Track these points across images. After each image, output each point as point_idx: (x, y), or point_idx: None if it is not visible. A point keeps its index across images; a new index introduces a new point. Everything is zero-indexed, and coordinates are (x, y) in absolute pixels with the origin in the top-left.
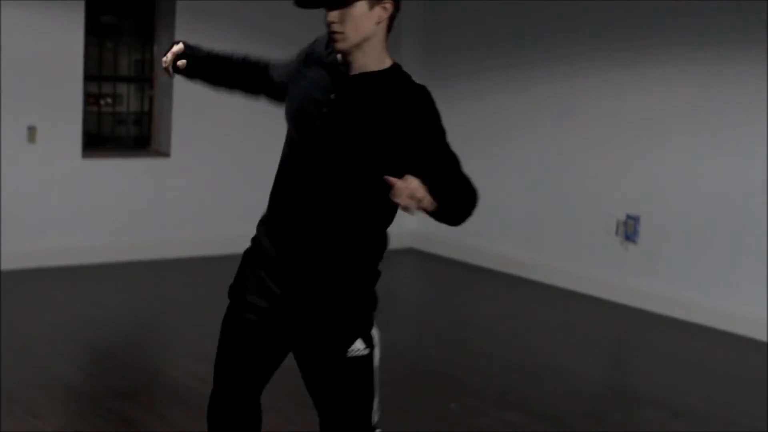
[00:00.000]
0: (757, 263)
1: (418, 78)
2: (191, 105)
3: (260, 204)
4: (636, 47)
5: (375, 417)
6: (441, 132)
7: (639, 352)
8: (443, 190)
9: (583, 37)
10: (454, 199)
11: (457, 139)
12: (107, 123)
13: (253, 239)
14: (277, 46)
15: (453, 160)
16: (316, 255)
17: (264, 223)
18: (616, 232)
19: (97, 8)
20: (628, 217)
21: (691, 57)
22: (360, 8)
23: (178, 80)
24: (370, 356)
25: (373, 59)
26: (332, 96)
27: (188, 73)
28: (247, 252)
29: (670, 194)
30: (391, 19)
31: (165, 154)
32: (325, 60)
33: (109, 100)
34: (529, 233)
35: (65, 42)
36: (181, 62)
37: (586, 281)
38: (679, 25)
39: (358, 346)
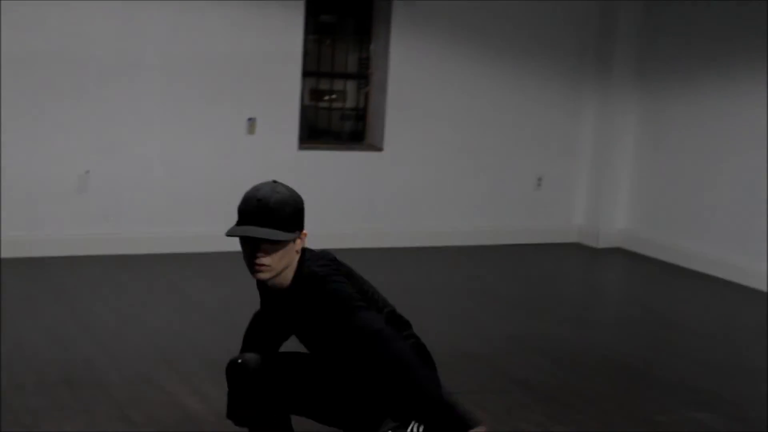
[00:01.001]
0: None
1: (633, 80)
2: (404, 101)
3: (468, 198)
4: None
5: None
6: (369, 334)
7: None
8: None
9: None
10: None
11: (672, 143)
12: (324, 118)
13: None
14: (492, 47)
15: (392, 361)
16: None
17: None
18: None
19: (316, 8)
20: None
21: None
22: (291, 244)
23: (393, 76)
24: None
25: (287, 278)
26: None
27: None
28: None
29: None
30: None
31: (378, 148)
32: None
33: (333, 96)
34: (742, 238)
35: (286, 40)
36: None
37: None
38: None
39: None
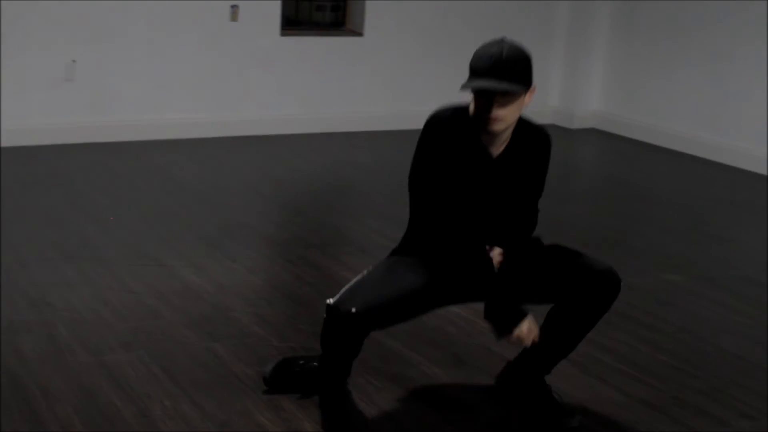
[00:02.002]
0: None
1: None
2: None
3: (446, 82)
4: None
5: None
6: (547, 169)
7: None
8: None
9: None
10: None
11: (645, 24)
12: (304, 8)
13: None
14: None
15: (542, 190)
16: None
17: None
18: None
19: None
20: None
21: None
22: (522, 98)
23: None
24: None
25: (511, 130)
26: (485, 176)
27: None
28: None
29: None
30: None
31: (358, 33)
32: (467, 140)
33: None
34: (707, 114)
35: None
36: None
37: (761, 161)
38: None
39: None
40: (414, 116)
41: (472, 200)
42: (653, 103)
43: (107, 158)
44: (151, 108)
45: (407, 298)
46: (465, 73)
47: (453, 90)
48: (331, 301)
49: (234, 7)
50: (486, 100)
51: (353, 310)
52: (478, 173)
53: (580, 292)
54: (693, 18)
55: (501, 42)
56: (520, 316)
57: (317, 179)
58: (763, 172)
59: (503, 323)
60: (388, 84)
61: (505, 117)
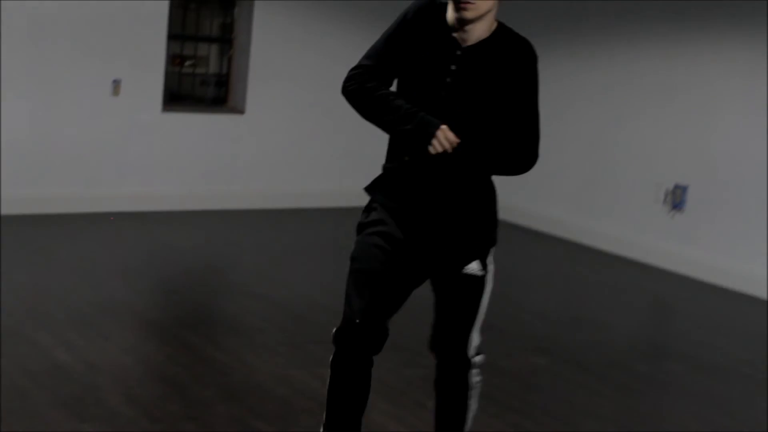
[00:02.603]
0: None
1: None
2: (267, 65)
3: (328, 160)
4: (693, 24)
5: (476, 339)
6: (535, 85)
7: (673, 312)
8: (506, 140)
9: (644, 13)
10: (511, 151)
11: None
12: (187, 83)
13: (376, 191)
14: (352, 12)
15: (534, 113)
16: (452, 194)
17: (383, 184)
18: (664, 200)
19: None
20: (677, 186)
21: (745, 35)
22: None
23: (256, 40)
24: (483, 280)
25: (487, 26)
26: (453, 67)
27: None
28: (372, 202)
29: (719, 165)
30: None
31: (240, 111)
32: (439, 29)
33: (193, 62)
34: (581, 198)
35: (151, 2)
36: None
37: (633, 246)
38: (735, 4)
39: (474, 267)
40: (293, 195)
41: (431, 90)
42: (532, 188)
43: None
44: (30, 182)
45: (388, 279)
46: (349, 155)
47: (333, 169)
48: (335, 329)
49: (116, 82)
50: None
51: (357, 321)
52: (442, 59)
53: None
54: (563, 104)
55: None
56: (434, 125)
57: (194, 257)
58: (639, 258)
59: (418, 137)
60: (268, 162)
61: (477, 5)
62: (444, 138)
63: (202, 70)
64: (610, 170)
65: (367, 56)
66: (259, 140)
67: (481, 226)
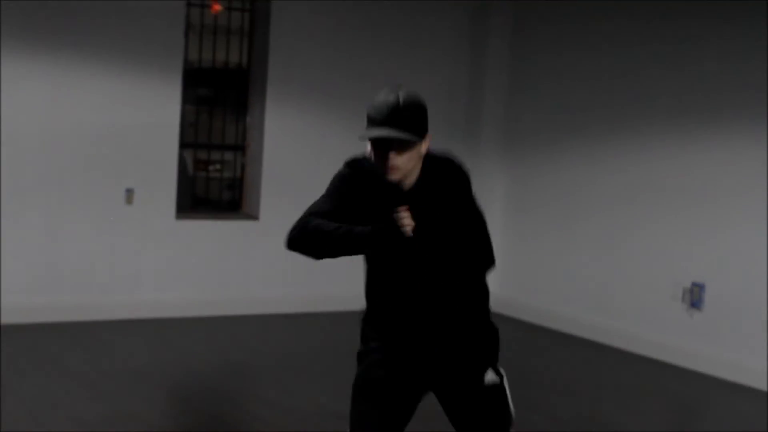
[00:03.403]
0: None
1: (500, 150)
2: (279, 172)
3: (341, 266)
4: (703, 121)
5: None
6: (471, 197)
7: (692, 412)
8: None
9: (652, 111)
10: (468, 251)
11: (535, 207)
12: (207, 187)
13: (366, 337)
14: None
15: (481, 221)
16: (441, 319)
17: (373, 321)
18: (682, 299)
19: (194, 81)
20: (694, 284)
21: (758, 131)
22: (419, 146)
23: (268, 148)
24: (502, 384)
25: (417, 170)
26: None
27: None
28: (364, 348)
29: (735, 264)
30: None
31: (254, 217)
32: (377, 184)
33: (218, 166)
34: (599, 298)
35: (163, 112)
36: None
37: (651, 345)
38: (745, 100)
39: (491, 376)
40: (308, 300)
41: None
42: (547, 286)
43: None
44: (44, 290)
45: (391, 417)
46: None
47: (346, 273)
48: None
49: (129, 191)
50: (383, 148)
51: None
52: (391, 205)
53: None
54: (581, 206)
55: (396, 90)
56: (387, 215)
57: (206, 364)
58: (658, 356)
59: (386, 231)
60: (282, 268)
61: (402, 165)
62: (403, 215)
63: (220, 175)
64: (627, 269)
65: (307, 213)
66: (273, 246)
67: (485, 334)
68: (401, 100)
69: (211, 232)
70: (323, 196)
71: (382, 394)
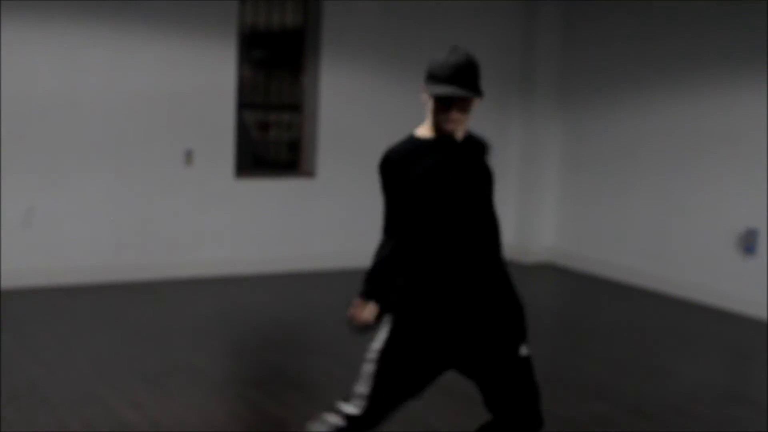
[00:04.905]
0: None
1: (555, 105)
2: (335, 131)
3: None
4: (754, 72)
5: None
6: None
7: (747, 358)
8: None
9: (705, 61)
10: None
11: (590, 160)
12: (268, 148)
13: (416, 296)
14: (418, 75)
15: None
16: (488, 272)
17: (428, 279)
18: (736, 245)
19: (250, 43)
20: (748, 230)
21: None
22: (475, 103)
23: (324, 108)
24: (530, 358)
25: (465, 127)
26: (457, 160)
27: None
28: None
29: None
30: None
31: (311, 174)
32: (423, 147)
33: (276, 126)
34: (654, 247)
35: (220, 75)
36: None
37: (706, 292)
38: None
39: (525, 349)
40: (364, 254)
41: (454, 192)
42: (604, 237)
43: (60, 301)
44: (106, 251)
45: (416, 389)
46: None
47: None
48: (351, 410)
49: (188, 153)
50: (446, 104)
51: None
52: (449, 158)
53: (502, 424)
54: (635, 157)
55: (457, 51)
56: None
57: (264, 318)
58: (712, 303)
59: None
60: (340, 224)
61: (461, 119)
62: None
63: (287, 135)
64: (680, 216)
65: (384, 230)
66: (330, 202)
67: (518, 306)
68: (464, 60)
69: (270, 191)
70: (384, 199)
71: (413, 365)
